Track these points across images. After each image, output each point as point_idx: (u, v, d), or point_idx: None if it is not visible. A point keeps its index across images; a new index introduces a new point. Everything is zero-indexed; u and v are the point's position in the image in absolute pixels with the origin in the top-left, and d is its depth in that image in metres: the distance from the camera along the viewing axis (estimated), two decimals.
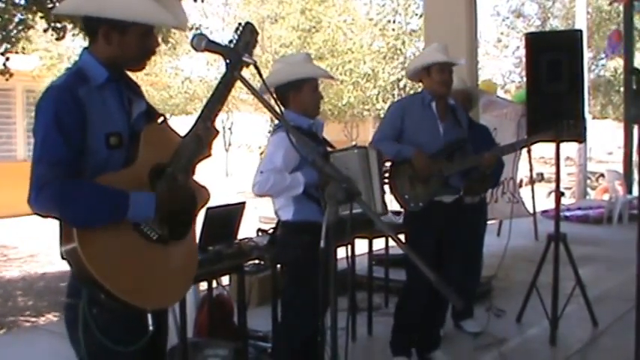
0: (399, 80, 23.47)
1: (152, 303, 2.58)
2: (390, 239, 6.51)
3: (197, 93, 23.97)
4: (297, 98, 4.15)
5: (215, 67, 23.96)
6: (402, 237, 5.25)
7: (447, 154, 4.93)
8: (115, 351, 2.48)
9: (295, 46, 23.83)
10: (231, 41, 2.61)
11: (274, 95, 3.58)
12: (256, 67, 2.54)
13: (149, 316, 2.62)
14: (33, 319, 8.11)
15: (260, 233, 5.51)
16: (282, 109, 4.18)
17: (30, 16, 8.94)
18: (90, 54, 2.59)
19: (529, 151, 10.70)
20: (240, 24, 2.66)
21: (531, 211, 10.80)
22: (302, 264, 3.97)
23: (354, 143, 24.78)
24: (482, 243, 6.46)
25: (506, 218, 8.44)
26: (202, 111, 2.64)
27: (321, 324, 3.42)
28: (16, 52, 10.44)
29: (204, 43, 2.52)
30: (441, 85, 4.90)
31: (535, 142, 5.50)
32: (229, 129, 28.13)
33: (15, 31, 9.18)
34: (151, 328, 2.61)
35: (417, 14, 22.76)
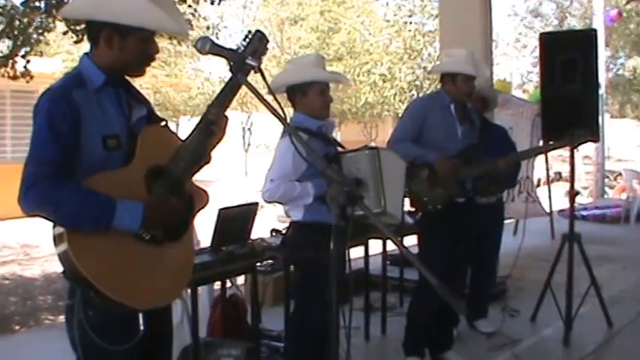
0: (415, 81, 23.47)
1: (143, 303, 2.57)
2: (404, 239, 6.52)
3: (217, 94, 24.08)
4: (303, 101, 4.16)
5: None
6: (415, 237, 5.29)
7: (464, 158, 4.94)
8: (108, 351, 2.50)
9: (314, 47, 23.84)
10: (238, 48, 2.60)
11: (276, 97, 3.56)
12: (260, 72, 2.55)
13: (140, 316, 2.63)
14: (52, 318, 8.19)
15: (274, 233, 5.54)
16: (293, 110, 4.24)
17: (50, 20, 9.03)
18: (89, 59, 2.63)
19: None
20: (249, 31, 2.65)
21: (548, 210, 10.77)
22: (312, 264, 3.98)
23: (370, 144, 24.79)
24: (499, 243, 6.44)
25: (523, 217, 8.43)
26: (208, 110, 2.66)
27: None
28: (39, 55, 10.53)
29: (208, 46, 2.52)
30: (462, 95, 4.94)
31: (553, 149, 5.49)
32: (249, 129, 28.20)
33: (35, 35, 9.27)
34: (142, 328, 2.62)
35: (432, 15, 22.71)
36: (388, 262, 6.36)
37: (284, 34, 25.23)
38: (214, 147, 2.74)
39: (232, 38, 24.30)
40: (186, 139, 2.66)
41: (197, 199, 2.78)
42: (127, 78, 2.76)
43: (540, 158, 10.49)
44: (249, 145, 28.49)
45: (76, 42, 9.17)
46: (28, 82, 9.36)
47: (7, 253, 12.67)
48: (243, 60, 2.54)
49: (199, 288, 5.41)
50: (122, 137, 2.59)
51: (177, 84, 24.28)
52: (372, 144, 22.58)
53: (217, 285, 5.63)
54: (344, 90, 24.66)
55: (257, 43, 2.62)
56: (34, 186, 2.39)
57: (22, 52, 9.31)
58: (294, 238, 4.28)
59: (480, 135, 5.21)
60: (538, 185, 12.52)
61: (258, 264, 5.26)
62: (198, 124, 2.65)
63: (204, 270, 4.48)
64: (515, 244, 7.13)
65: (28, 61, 9.41)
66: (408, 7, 24.49)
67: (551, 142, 5.50)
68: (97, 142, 2.51)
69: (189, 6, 9.96)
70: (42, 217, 2.43)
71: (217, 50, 2.55)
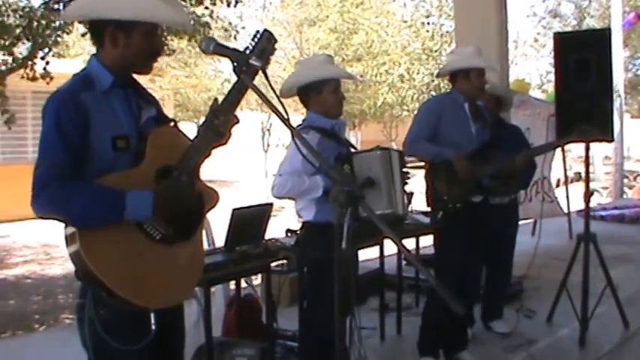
0: (433, 81, 23.45)
1: (155, 302, 2.59)
2: (420, 238, 6.54)
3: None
4: (318, 99, 4.18)
5: None
6: (431, 237, 5.30)
7: (480, 156, 4.94)
8: (119, 350, 2.51)
9: (333, 48, 23.90)
10: (247, 48, 2.58)
11: (280, 99, 3.57)
12: (264, 72, 2.55)
13: (152, 315, 2.62)
14: (72, 317, 8.26)
15: (289, 234, 5.56)
16: (305, 110, 4.26)
17: (68, 21, 9.10)
18: (97, 60, 2.65)
19: (562, 151, 10.61)
20: (257, 31, 2.64)
21: (566, 210, 10.71)
22: (323, 264, 3.98)
23: (391, 144, 24.76)
24: (513, 243, 6.41)
25: (540, 218, 8.41)
26: (214, 113, 2.63)
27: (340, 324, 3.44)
28: (56, 57, 10.61)
29: (212, 46, 2.52)
30: (477, 90, 4.97)
31: (563, 145, 5.49)
32: (268, 130, 28.27)
33: (54, 36, 9.36)
34: (153, 327, 2.62)
35: (450, 15, 22.69)
36: (404, 262, 6.35)
37: (303, 35, 25.28)
38: (215, 148, 2.72)
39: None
40: (195, 138, 2.66)
41: (207, 198, 2.79)
42: (136, 78, 2.77)
43: (558, 159, 10.44)
44: (268, 145, 28.56)
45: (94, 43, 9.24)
46: (47, 83, 9.44)
47: (27, 253, 12.80)
48: (247, 60, 2.53)
49: (215, 287, 5.45)
50: (131, 138, 2.60)
51: (196, 85, 24.38)
52: (393, 144, 22.59)
53: (233, 285, 5.65)
54: (363, 90, 24.68)
55: (265, 42, 2.60)
56: (43, 190, 2.41)
57: (40, 54, 9.41)
58: (305, 238, 4.30)
59: (495, 134, 5.21)
60: (557, 186, 12.45)
61: (274, 264, 5.27)
62: (204, 124, 2.65)
63: (217, 270, 4.51)
64: (533, 244, 7.10)
65: (47, 63, 9.51)
66: (426, 8, 24.51)
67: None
68: (107, 143, 2.53)
69: (206, 8, 10.01)
70: (54, 219, 2.46)
71: (221, 50, 2.54)
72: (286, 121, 2.42)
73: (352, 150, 4.28)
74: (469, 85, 4.94)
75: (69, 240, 2.47)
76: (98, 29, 2.63)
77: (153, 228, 2.56)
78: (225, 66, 25.51)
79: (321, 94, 4.17)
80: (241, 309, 5.38)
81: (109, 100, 2.60)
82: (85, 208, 2.41)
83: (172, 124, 2.82)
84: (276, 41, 2.67)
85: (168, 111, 21.17)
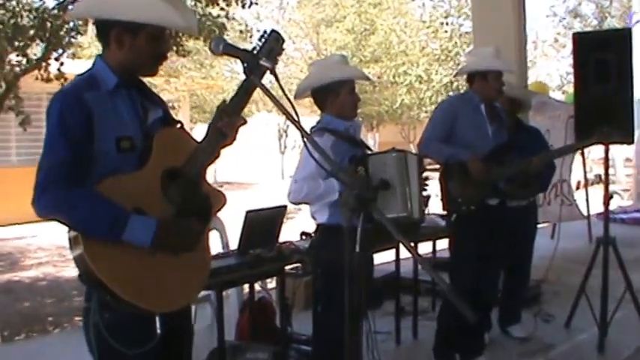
0: (451, 82, 23.36)
1: (159, 306, 2.56)
2: (437, 241, 6.48)
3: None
4: (334, 101, 4.11)
5: None
6: (447, 240, 5.24)
7: (496, 158, 4.87)
8: (124, 354, 2.48)
9: (350, 48, 23.94)
10: (254, 48, 2.57)
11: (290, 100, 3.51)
12: (273, 73, 2.52)
13: (157, 319, 2.61)
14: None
15: (304, 237, 5.51)
16: (320, 112, 4.20)
17: (81, 22, 9.11)
18: (102, 60, 2.62)
19: (582, 153, 10.49)
20: (265, 31, 2.62)
21: (585, 213, 10.59)
22: (336, 267, 3.93)
23: (409, 146, 24.71)
24: (532, 246, 6.33)
25: (559, 221, 8.31)
26: (219, 115, 2.62)
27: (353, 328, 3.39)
28: (70, 58, 10.62)
29: (221, 47, 2.49)
30: (495, 92, 4.92)
31: (582, 147, 5.41)
32: (285, 132, 28.29)
33: (67, 37, 9.36)
34: (158, 331, 2.60)
35: (469, 16, 22.62)
36: (420, 266, 6.28)
37: (320, 36, 25.29)
38: (225, 147, 2.71)
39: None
40: (202, 140, 2.64)
41: (214, 200, 2.76)
42: (143, 80, 2.74)
43: (578, 161, 10.33)
44: (285, 147, 28.60)
45: None
46: (62, 84, 9.43)
47: (42, 255, 12.83)
48: (257, 61, 2.51)
49: (229, 291, 5.41)
50: (136, 139, 2.57)
51: (212, 86, 24.43)
52: (411, 146, 22.49)
53: (247, 288, 5.61)
54: (381, 92, 24.66)
55: (273, 42, 2.58)
56: (46, 191, 2.39)
57: (54, 55, 9.41)
58: (319, 240, 4.25)
59: (513, 135, 5.14)
60: (577, 188, 12.33)
61: (288, 267, 5.22)
62: (210, 126, 2.63)
63: (231, 273, 4.48)
64: (552, 248, 7.01)
65: (61, 64, 9.52)
66: (445, 8, 24.43)
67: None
68: (111, 144, 2.50)
69: (222, 9, 9.99)
70: (56, 220, 2.43)
71: (231, 51, 2.51)
72: (297, 123, 2.37)
73: (367, 151, 4.21)
74: (487, 86, 4.89)
75: (72, 243, 2.45)
76: (104, 30, 2.60)
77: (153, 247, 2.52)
78: (241, 67, 25.62)
79: (338, 95, 4.12)
80: (255, 313, 5.35)
81: (114, 100, 2.57)
82: (86, 222, 2.39)
83: (179, 125, 2.78)
84: (284, 41, 2.66)
85: (185, 113, 21.20)
